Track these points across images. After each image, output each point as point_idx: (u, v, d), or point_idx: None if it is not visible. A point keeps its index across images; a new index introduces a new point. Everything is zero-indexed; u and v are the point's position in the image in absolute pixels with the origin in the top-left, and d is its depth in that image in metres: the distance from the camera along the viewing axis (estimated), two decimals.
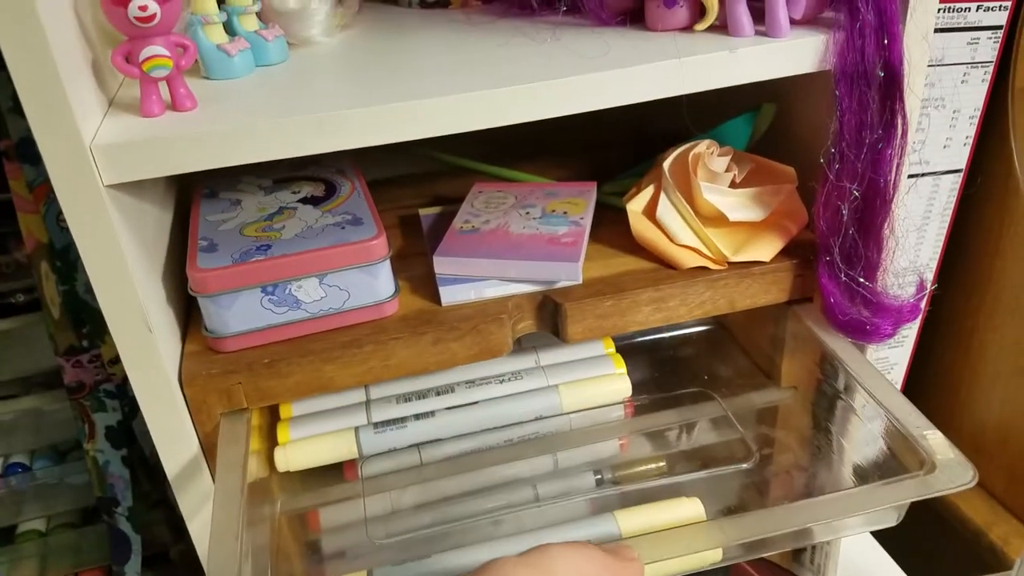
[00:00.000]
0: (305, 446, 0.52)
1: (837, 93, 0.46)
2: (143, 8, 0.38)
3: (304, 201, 0.52)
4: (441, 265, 0.51)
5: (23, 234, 0.47)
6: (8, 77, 0.43)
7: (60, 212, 0.47)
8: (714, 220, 0.52)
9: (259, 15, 0.48)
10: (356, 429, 0.53)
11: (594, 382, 0.56)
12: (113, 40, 0.43)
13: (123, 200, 0.40)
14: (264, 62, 0.47)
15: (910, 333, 0.79)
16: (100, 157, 0.37)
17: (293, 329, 0.47)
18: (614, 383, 0.57)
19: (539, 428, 0.60)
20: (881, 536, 0.73)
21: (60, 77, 0.35)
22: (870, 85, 0.46)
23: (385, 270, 0.48)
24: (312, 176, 0.56)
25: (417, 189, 0.68)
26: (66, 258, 0.47)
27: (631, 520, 0.51)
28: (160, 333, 0.43)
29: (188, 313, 0.51)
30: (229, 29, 0.47)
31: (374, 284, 0.48)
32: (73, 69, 0.38)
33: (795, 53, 0.46)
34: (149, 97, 0.40)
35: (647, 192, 0.54)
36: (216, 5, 0.45)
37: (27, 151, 0.44)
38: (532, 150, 0.69)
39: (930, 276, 0.76)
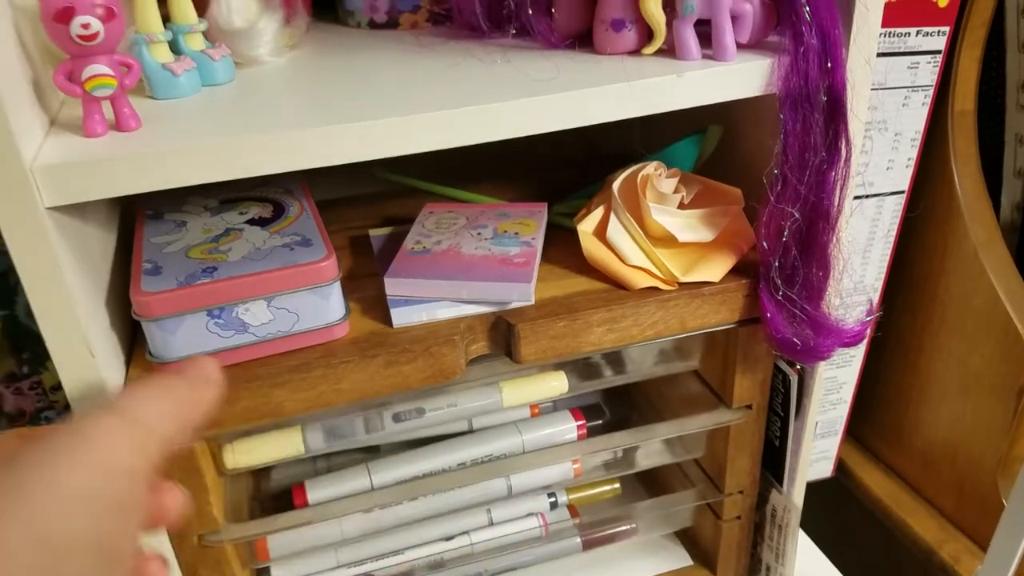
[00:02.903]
0: (252, 443, 0.52)
1: (782, 116, 0.47)
2: (86, 26, 0.37)
3: (251, 222, 0.51)
4: (392, 286, 0.51)
5: None
6: None
7: None
8: (664, 241, 0.52)
9: (205, 34, 0.47)
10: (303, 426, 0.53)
11: (533, 379, 0.57)
12: (54, 58, 0.43)
13: (65, 222, 0.39)
14: (211, 81, 0.47)
15: (858, 353, 0.80)
16: (41, 178, 0.37)
17: (240, 354, 0.46)
18: (551, 380, 0.57)
19: (492, 450, 0.60)
20: (833, 555, 0.74)
21: None
22: (814, 108, 0.47)
23: (336, 292, 0.48)
24: (259, 197, 0.55)
25: (367, 209, 0.67)
26: (5, 282, 0.46)
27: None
28: (103, 358, 0.42)
29: (133, 337, 0.49)
30: (175, 48, 0.46)
31: (324, 306, 0.47)
32: (12, 88, 0.37)
33: (741, 77, 0.46)
34: (92, 117, 0.40)
35: (597, 213, 0.54)
36: (161, 24, 0.45)
37: None
38: (482, 171, 0.69)
39: (876, 297, 0.77)
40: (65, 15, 0.37)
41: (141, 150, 0.38)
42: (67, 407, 0.51)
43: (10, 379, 0.48)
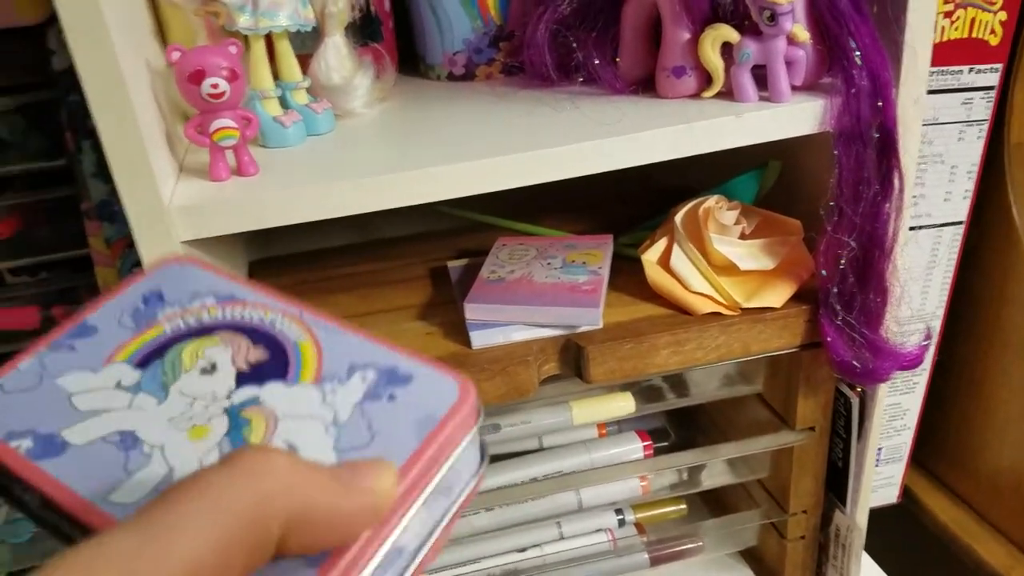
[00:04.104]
0: None
1: (836, 152, 0.50)
2: (215, 86, 0.43)
3: (251, 380, 0.29)
4: (472, 311, 0.55)
5: (99, 285, 0.52)
6: (92, 146, 0.48)
7: (134, 265, 0.52)
8: (726, 269, 0.56)
9: (309, 90, 0.53)
10: None
11: (601, 399, 0.61)
12: (177, 112, 0.49)
13: (196, 255, 0.45)
14: (314, 132, 0.52)
15: (921, 379, 0.82)
16: (177, 216, 0.42)
17: None
18: (619, 400, 0.61)
19: (562, 466, 0.63)
20: None
21: (145, 148, 0.41)
22: (866, 145, 0.50)
23: None
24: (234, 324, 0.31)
25: (441, 243, 0.72)
26: None
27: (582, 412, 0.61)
28: None
29: None
30: (283, 103, 0.52)
31: None
32: (152, 140, 0.43)
33: (796, 117, 0.50)
34: (217, 164, 0.46)
35: (661, 243, 0.58)
36: (272, 81, 0.51)
37: (106, 211, 0.49)
38: (548, 206, 0.73)
39: (937, 324, 0.79)
40: (197, 77, 0.44)
41: (261, 193, 0.44)
42: None
43: None
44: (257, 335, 0.30)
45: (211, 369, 0.29)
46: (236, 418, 0.28)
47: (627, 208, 0.73)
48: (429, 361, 0.30)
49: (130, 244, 0.51)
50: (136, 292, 0.31)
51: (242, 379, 0.29)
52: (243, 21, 0.47)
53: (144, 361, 0.29)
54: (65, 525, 0.26)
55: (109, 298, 0.31)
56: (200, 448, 0.27)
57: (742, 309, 0.55)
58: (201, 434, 0.28)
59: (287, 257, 0.71)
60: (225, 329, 0.30)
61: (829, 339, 0.55)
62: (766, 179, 0.62)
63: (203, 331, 0.30)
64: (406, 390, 0.28)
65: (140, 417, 0.28)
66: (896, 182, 0.51)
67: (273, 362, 0.29)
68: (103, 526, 0.24)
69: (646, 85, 0.56)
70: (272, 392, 0.28)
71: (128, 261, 0.51)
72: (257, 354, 0.30)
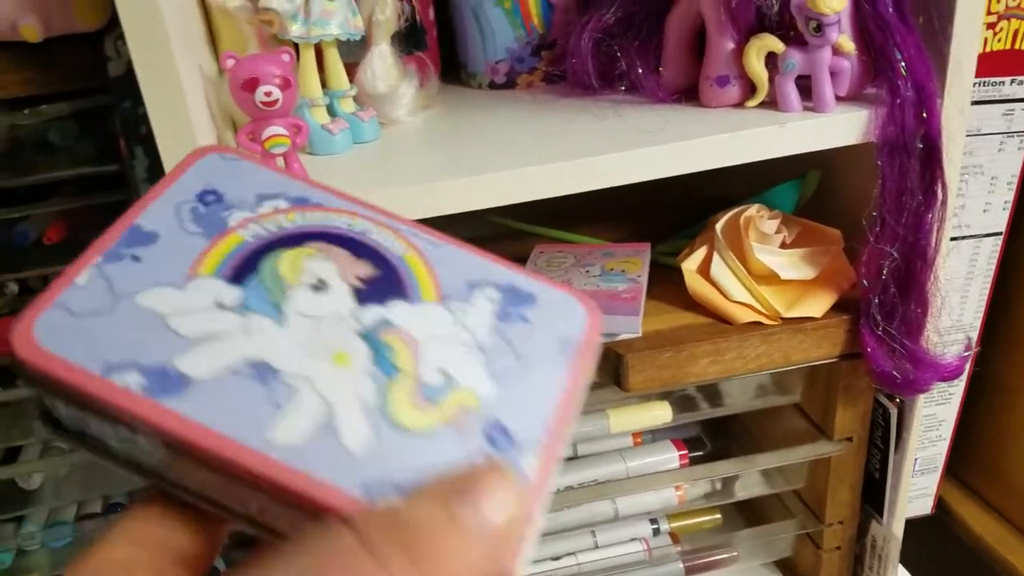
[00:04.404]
0: None
1: (879, 163, 0.50)
2: (268, 94, 0.44)
3: (371, 299, 0.27)
4: None
5: None
6: (144, 151, 0.49)
7: None
8: (766, 279, 0.56)
9: (355, 98, 0.54)
10: None
11: (639, 407, 0.61)
12: (227, 118, 0.50)
13: None
14: (360, 140, 0.53)
15: (957, 390, 0.81)
16: None
17: None
18: (656, 409, 0.61)
19: (597, 475, 0.64)
20: None
21: None
22: (910, 155, 0.50)
23: None
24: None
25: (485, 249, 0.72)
26: None
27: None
28: None
29: None
30: (330, 110, 0.53)
31: None
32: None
33: (840, 127, 0.50)
34: None
35: (700, 252, 0.58)
36: (320, 90, 0.52)
37: None
38: (583, 213, 0.73)
39: (974, 335, 0.78)
40: (251, 85, 0.44)
41: None
42: None
43: None
44: (355, 247, 0.27)
45: (321, 286, 0.26)
46: (375, 343, 0.25)
47: (662, 216, 0.73)
48: (543, 278, 0.28)
49: None
50: (184, 190, 0.27)
51: (361, 297, 0.26)
52: (295, 29, 0.48)
53: (236, 275, 0.25)
54: (196, 480, 0.23)
55: (153, 198, 0.27)
56: (351, 378, 0.24)
57: (782, 319, 0.55)
58: (344, 361, 0.24)
59: None
60: (315, 239, 0.27)
61: (869, 349, 0.55)
62: (805, 188, 0.62)
63: (290, 240, 0.26)
64: (535, 311, 0.26)
65: (264, 343, 0.24)
66: (939, 193, 0.51)
67: (385, 278, 0.26)
68: (269, 473, 0.21)
69: (688, 94, 0.56)
70: (399, 312, 0.25)
71: None
72: (364, 269, 0.26)
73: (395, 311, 0.25)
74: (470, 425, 0.23)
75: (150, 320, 0.24)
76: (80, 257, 0.25)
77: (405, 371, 0.24)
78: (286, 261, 0.26)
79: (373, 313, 0.25)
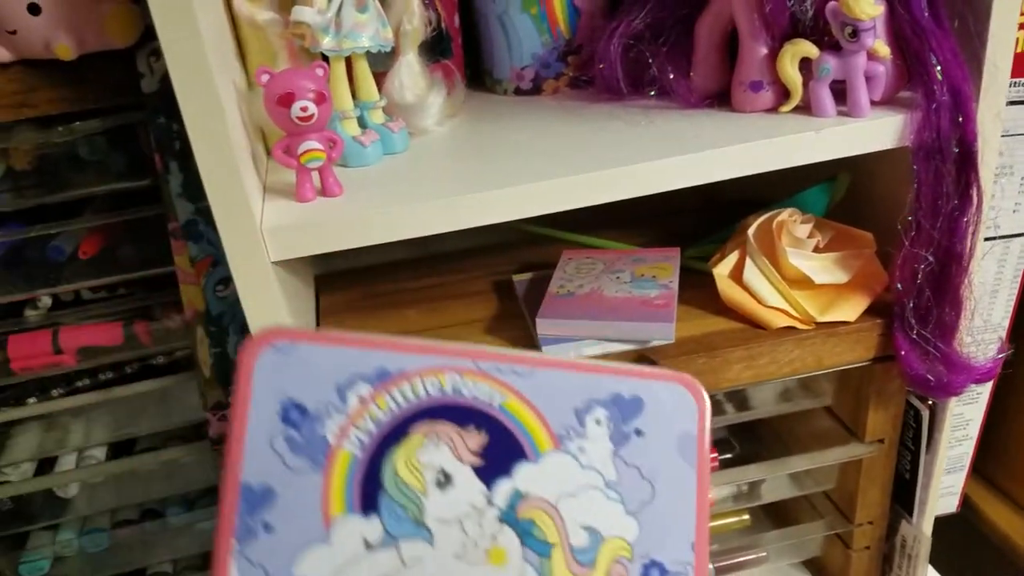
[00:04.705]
0: None
1: (915, 167, 0.50)
2: (304, 108, 0.44)
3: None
4: (544, 327, 0.55)
5: (183, 302, 0.53)
6: (179, 167, 0.49)
7: (217, 283, 0.53)
8: (799, 283, 0.56)
9: (384, 109, 0.54)
10: None
11: None
12: (258, 132, 0.50)
13: (282, 275, 0.46)
14: (390, 151, 0.53)
15: (984, 390, 0.81)
16: (269, 237, 0.43)
17: None
18: None
19: None
20: None
21: (239, 170, 0.41)
22: (946, 160, 0.50)
23: None
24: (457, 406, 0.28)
25: (504, 257, 0.72)
26: (220, 324, 0.53)
27: None
28: None
29: None
30: (361, 122, 0.52)
31: None
32: (243, 162, 0.43)
33: (876, 132, 0.50)
34: (304, 185, 0.46)
35: (732, 257, 0.58)
36: (351, 101, 0.51)
37: (191, 230, 0.50)
38: (609, 218, 0.73)
39: (1002, 336, 0.78)
40: (287, 100, 0.44)
41: (350, 214, 0.44)
42: None
43: (218, 407, 0.55)
44: (457, 415, 0.26)
45: (446, 480, 0.26)
46: (517, 524, 0.25)
47: (687, 219, 0.73)
48: (640, 372, 0.27)
49: (214, 263, 0.52)
50: (265, 415, 0.26)
51: (484, 475, 0.25)
52: (327, 43, 0.48)
53: (366, 503, 0.25)
54: None
55: (239, 438, 0.26)
56: (514, 572, 0.24)
57: (816, 323, 0.55)
58: (500, 558, 0.25)
59: (349, 272, 0.71)
60: (416, 420, 0.26)
61: (903, 352, 0.55)
62: (836, 192, 0.61)
63: (395, 434, 0.26)
64: (646, 419, 0.26)
65: (424, 569, 0.24)
66: (975, 196, 0.51)
67: (498, 442, 0.26)
68: None
69: (719, 99, 0.56)
70: (526, 477, 0.25)
71: (212, 279, 0.52)
72: (474, 439, 0.26)
73: (522, 477, 0.25)
74: (629, 573, 0.24)
75: None
76: (218, 548, 0.25)
77: (555, 543, 0.25)
78: (402, 464, 0.25)
79: (504, 490, 0.25)
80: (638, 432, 0.26)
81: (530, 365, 0.27)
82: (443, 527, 0.25)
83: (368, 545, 0.24)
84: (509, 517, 0.25)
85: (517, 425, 0.26)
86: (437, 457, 0.26)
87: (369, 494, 0.25)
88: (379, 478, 0.25)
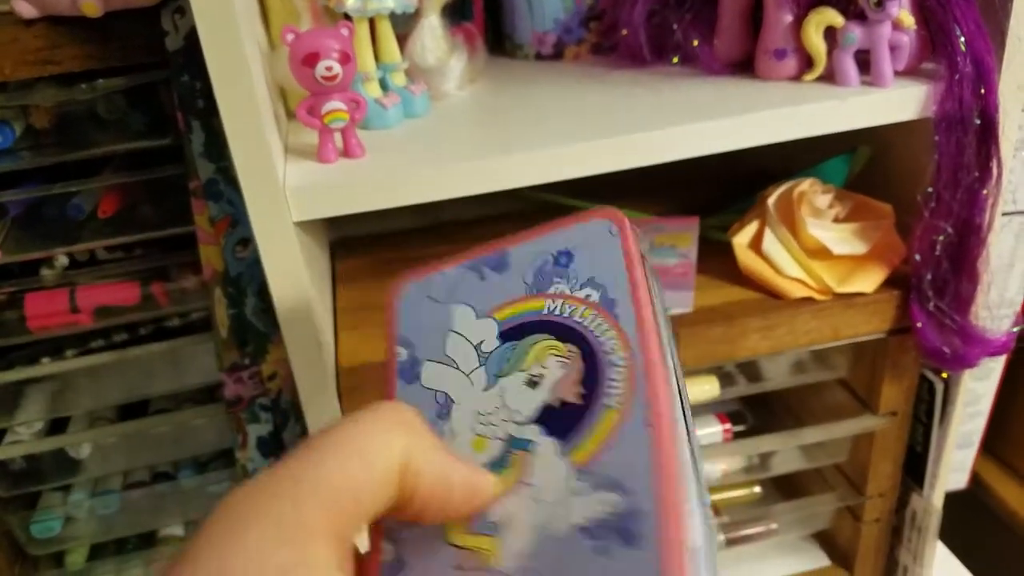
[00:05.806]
0: None
1: (936, 138, 0.50)
2: (329, 68, 0.44)
3: (549, 418, 0.28)
4: None
5: (202, 263, 0.53)
6: (201, 126, 0.49)
7: (236, 244, 0.53)
8: (818, 253, 0.56)
9: (406, 72, 0.53)
10: None
11: (687, 381, 0.61)
12: (278, 92, 0.50)
13: (303, 237, 0.46)
14: (411, 114, 0.53)
15: (996, 366, 0.81)
16: (291, 197, 0.43)
17: None
18: (704, 383, 0.61)
19: None
20: (967, 565, 0.75)
21: (263, 129, 0.41)
22: (967, 131, 0.50)
23: None
24: (560, 324, 0.30)
25: (518, 225, 0.72)
26: (238, 284, 0.53)
27: None
28: (330, 355, 0.49)
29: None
30: (383, 84, 0.52)
31: None
32: (268, 122, 0.43)
33: (899, 102, 0.50)
34: (326, 146, 0.46)
35: (752, 227, 0.58)
36: (374, 63, 0.51)
37: (212, 190, 0.50)
38: (625, 186, 0.72)
39: (1017, 310, 0.78)
40: (312, 59, 0.44)
41: (372, 176, 0.44)
42: (279, 394, 0.58)
43: (232, 368, 0.55)
44: (594, 372, 0.28)
45: (534, 384, 0.29)
46: (505, 455, 0.28)
47: (706, 188, 0.73)
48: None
49: (233, 223, 0.52)
50: (557, 241, 0.32)
51: (542, 414, 0.28)
52: (351, 3, 0.48)
53: (508, 334, 0.30)
54: None
55: (534, 235, 0.33)
56: (475, 458, 0.28)
57: (834, 294, 0.55)
58: (480, 447, 0.28)
59: (363, 238, 0.71)
60: (579, 343, 0.29)
61: (919, 324, 0.55)
62: (855, 163, 0.61)
63: (564, 332, 0.29)
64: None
65: (466, 393, 0.29)
66: (995, 169, 0.51)
67: (573, 415, 0.27)
68: None
69: (742, 66, 0.55)
70: (545, 451, 0.27)
71: (231, 239, 0.52)
72: (575, 395, 0.28)
73: (544, 448, 0.27)
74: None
75: (444, 325, 0.31)
76: (464, 253, 0.33)
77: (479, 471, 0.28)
78: (541, 346, 0.29)
79: (531, 431, 0.28)
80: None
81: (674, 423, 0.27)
82: (495, 395, 0.29)
83: (480, 345, 0.30)
84: (513, 443, 0.28)
85: (591, 425, 0.28)
86: (552, 372, 0.29)
87: (513, 333, 0.30)
88: (527, 332, 0.30)
